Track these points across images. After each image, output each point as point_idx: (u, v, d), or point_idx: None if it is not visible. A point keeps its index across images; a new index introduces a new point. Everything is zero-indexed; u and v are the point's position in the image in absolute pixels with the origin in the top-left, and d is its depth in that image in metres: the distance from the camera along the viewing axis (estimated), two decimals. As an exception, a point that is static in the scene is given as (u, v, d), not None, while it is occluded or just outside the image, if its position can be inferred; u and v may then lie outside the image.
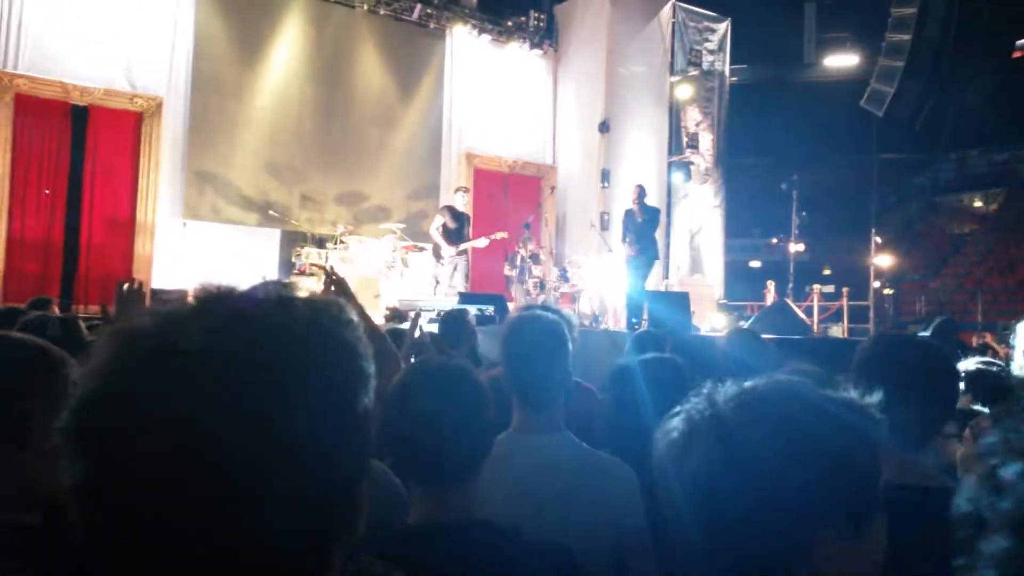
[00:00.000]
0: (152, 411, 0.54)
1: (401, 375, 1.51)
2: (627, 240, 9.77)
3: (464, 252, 10.29)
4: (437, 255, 10.42)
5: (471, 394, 1.48)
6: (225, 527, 0.54)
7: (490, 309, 7.88)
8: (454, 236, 10.18)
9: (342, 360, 0.62)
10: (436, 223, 10.29)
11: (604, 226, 12.69)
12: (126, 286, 2.32)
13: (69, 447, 0.55)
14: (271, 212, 10.86)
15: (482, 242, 10.43)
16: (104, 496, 0.54)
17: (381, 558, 1.04)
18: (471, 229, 10.58)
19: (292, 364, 0.58)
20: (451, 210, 10.28)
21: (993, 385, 2.75)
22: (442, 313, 5.41)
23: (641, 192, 9.85)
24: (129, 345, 0.57)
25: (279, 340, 0.59)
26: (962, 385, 2.26)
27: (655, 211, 10.04)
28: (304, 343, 0.60)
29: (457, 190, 10.78)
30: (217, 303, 0.60)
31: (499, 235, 10.43)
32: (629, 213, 9.84)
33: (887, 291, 16.88)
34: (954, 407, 1.85)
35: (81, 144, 9.94)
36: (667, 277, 12.98)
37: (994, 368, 2.91)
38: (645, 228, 9.70)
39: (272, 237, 11.31)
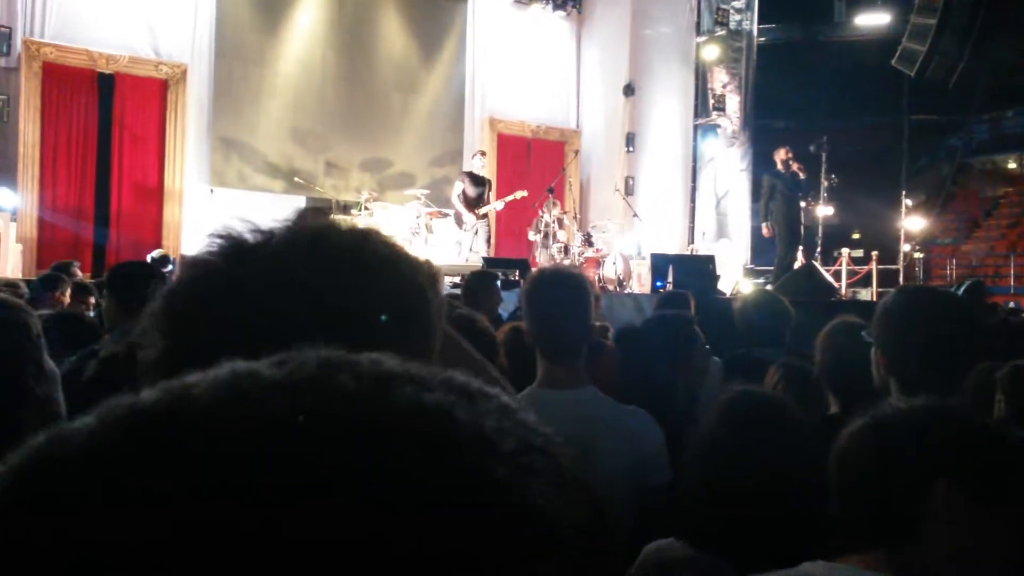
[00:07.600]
0: (225, 307, 0.59)
1: None
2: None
3: (485, 216, 10.27)
4: (459, 221, 10.42)
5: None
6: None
7: (515, 273, 7.89)
8: (474, 201, 10.16)
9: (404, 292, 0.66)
10: (456, 190, 10.29)
11: (629, 191, 12.59)
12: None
13: (156, 326, 0.62)
14: (296, 179, 10.89)
15: (499, 204, 10.39)
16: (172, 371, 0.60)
17: None
18: (492, 193, 10.55)
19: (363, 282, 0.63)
20: (470, 175, 10.27)
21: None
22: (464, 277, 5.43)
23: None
24: (223, 245, 0.63)
25: (359, 254, 0.64)
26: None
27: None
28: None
29: (475, 154, 10.74)
30: (301, 228, 0.66)
31: (518, 194, 10.37)
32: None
33: (917, 255, 16.62)
34: (976, 359, 1.85)
35: (108, 112, 10.01)
36: (692, 242, 12.88)
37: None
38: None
39: (298, 204, 11.34)
